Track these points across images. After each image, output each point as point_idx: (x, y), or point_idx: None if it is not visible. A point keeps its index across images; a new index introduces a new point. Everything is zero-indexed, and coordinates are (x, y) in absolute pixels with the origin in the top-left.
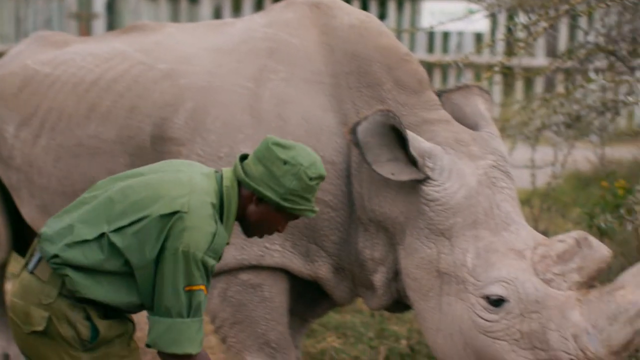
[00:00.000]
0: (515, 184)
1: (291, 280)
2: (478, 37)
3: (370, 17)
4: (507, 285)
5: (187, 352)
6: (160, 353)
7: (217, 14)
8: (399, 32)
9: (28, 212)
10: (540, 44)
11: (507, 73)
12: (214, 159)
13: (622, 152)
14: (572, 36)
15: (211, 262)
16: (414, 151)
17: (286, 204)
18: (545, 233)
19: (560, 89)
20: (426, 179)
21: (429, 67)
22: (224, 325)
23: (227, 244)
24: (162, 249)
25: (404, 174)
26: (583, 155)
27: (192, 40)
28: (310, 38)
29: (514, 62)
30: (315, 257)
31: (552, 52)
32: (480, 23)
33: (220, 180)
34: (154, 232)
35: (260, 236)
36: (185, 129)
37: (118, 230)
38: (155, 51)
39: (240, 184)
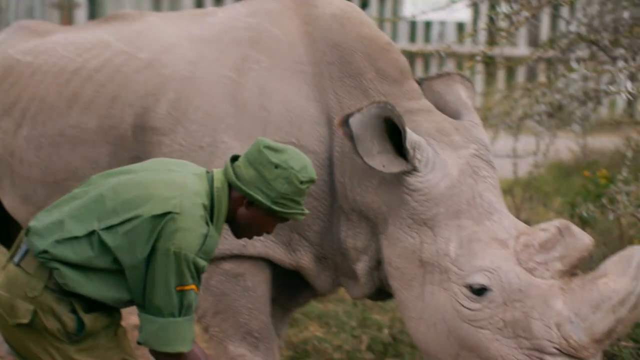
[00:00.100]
0: (497, 173)
1: (273, 270)
2: (460, 26)
3: (352, 7)
4: (490, 275)
5: (178, 351)
6: (152, 351)
7: (199, 4)
8: (381, 22)
9: (10, 202)
10: (522, 33)
11: (489, 62)
12: (195, 148)
13: (603, 142)
14: (554, 26)
15: (202, 262)
16: (408, 144)
17: (277, 208)
18: (527, 222)
19: (542, 78)
20: (412, 170)
21: (411, 56)
22: (206, 315)
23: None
24: (153, 249)
25: (394, 166)
26: (565, 145)
27: (174, 30)
28: (293, 28)
29: (496, 51)
30: (297, 246)
31: (534, 41)
32: (462, 12)
33: (211, 181)
34: (145, 232)
35: (250, 237)
36: (167, 118)
37: (109, 228)
38: (137, 40)
39: (230, 186)
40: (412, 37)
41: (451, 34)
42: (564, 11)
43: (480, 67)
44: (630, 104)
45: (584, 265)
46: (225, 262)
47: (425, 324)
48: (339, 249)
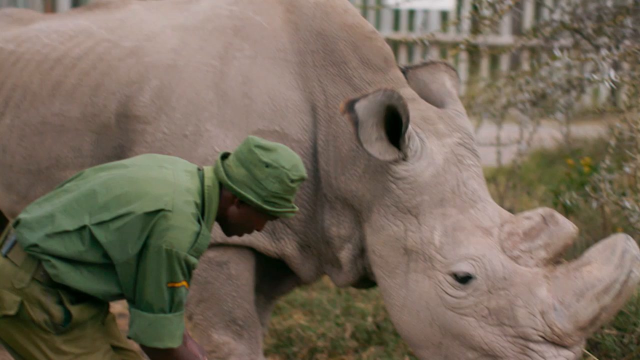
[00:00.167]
0: (481, 162)
1: (257, 258)
2: (444, 14)
3: None
4: (475, 263)
5: (168, 346)
6: (142, 346)
7: None
8: (364, 10)
9: None
10: (506, 21)
11: (473, 51)
12: (179, 137)
13: (587, 130)
14: (537, 14)
15: (193, 260)
16: (406, 134)
17: (268, 207)
18: (510, 210)
19: (525, 66)
20: (403, 159)
21: (395, 44)
22: (190, 303)
23: None
24: (145, 246)
25: (388, 154)
26: (548, 133)
27: (157, 18)
28: (276, 16)
29: (480, 40)
30: (281, 234)
31: (517, 30)
32: (446, 1)
33: (202, 179)
34: (137, 228)
35: (240, 235)
36: (150, 107)
37: (100, 224)
38: (120, 29)
39: (221, 184)
40: (396, 26)
41: (435, 22)
42: None
43: (463, 56)
44: (613, 92)
45: (568, 253)
46: (210, 250)
47: (409, 311)
48: (323, 238)
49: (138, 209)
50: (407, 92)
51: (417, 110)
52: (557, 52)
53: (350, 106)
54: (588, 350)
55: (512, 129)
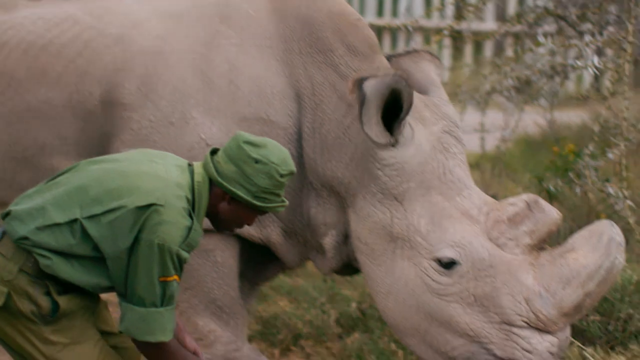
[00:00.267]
0: (465, 149)
1: (241, 244)
2: (427, 0)
3: None
4: (460, 249)
5: (160, 340)
6: (133, 340)
7: None
8: None
9: None
10: (490, 8)
11: (457, 37)
12: (165, 124)
13: (571, 117)
14: (521, 0)
15: (185, 254)
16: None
17: (258, 203)
18: (495, 197)
19: (509, 53)
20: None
21: (379, 30)
22: None
23: None
24: (136, 240)
25: (382, 138)
26: (532, 120)
27: (143, 5)
28: (262, 4)
29: (463, 26)
30: (266, 221)
31: (501, 16)
32: None
33: (192, 174)
34: (129, 222)
35: (231, 230)
36: (136, 94)
37: (92, 217)
38: (106, 16)
39: (211, 181)
40: (380, 12)
41: (419, 8)
42: None
43: (447, 42)
44: (597, 78)
45: (552, 239)
46: None
47: (394, 298)
48: (308, 224)
49: (130, 203)
50: None
51: None
52: (541, 39)
53: (359, 84)
54: (573, 337)
55: (496, 116)
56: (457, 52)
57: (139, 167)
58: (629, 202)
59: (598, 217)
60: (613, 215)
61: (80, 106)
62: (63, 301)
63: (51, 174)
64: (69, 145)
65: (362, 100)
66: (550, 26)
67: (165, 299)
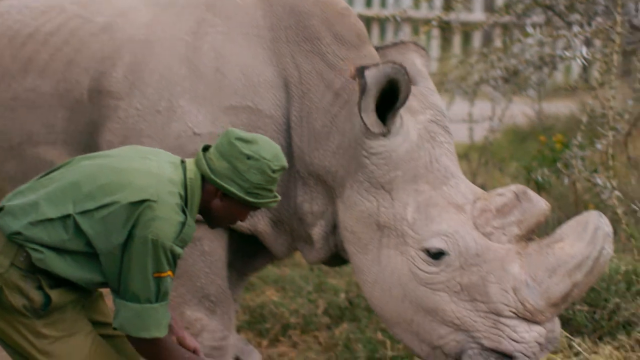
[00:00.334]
0: (453, 139)
1: (229, 234)
2: None
3: None
4: (447, 239)
5: (154, 336)
6: (127, 336)
7: None
8: None
9: None
10: None
11: (445, 27)
12: (152, 112)
13: (559, 107)
14: None
15: (178, 250)
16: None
17: (251, 199)
18: (483, 187)
19: (497, 43)
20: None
21: (367, 21)
22: None
23: None
24: (130, 236)
25: (376, 127)
26: (520, 110)
27: None
28: None
29: (452, 16)
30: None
31: (489, 6)
32: None
33: (184, 171)
34: (122, 218)
35: (224, 226)
36: (123, 82)
37: (85, 212)
38: (93, 4)
39: (203, 177)
40: (368, 2)
41: None
42: None
43: (436, 32)
44: (585, 69)
45: (540, 229)
46: None
47: (381, 287)
48: (295, 214)
49: (123, 198)
50: None
51: None
52: (530, 29)
53: (361, 72)
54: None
55: (484, 106)
56: (446, 42)
57: (132, 164)
58: (616, 192)
59: (586, 208)
60: (600, 205)
61: (68, 94)
62: (55, 295)
63: (37, 163)
64: (56, 134)
65: (363, 89)
66: (538, 17)
67: (160, 295)
